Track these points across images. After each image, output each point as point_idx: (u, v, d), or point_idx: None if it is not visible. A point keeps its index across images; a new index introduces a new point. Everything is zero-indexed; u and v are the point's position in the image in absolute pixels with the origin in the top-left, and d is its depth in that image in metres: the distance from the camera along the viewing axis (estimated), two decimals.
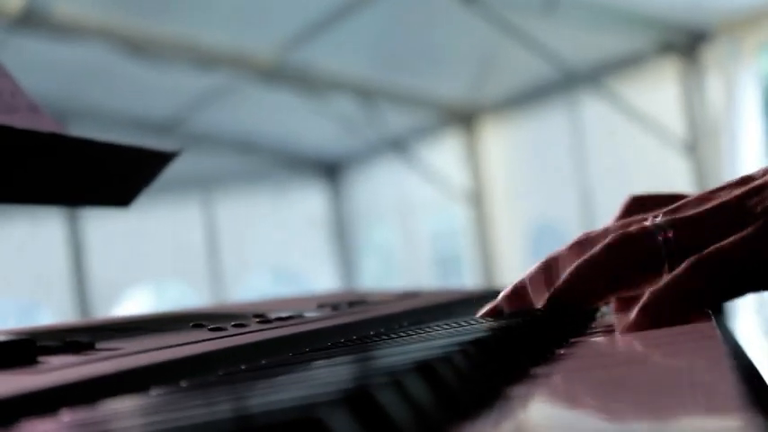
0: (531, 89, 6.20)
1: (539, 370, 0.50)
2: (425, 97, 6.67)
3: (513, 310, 0.73)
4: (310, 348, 0.62)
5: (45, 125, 0.89)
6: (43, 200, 1.05)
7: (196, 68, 5.73)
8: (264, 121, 7.05)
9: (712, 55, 5.13)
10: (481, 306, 0.77)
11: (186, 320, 0.75)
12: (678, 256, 0.67)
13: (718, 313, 0.71)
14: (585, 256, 0.70)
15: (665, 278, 0.66)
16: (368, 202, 8.18)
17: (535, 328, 0.60)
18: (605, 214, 0.84)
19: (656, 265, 0.68)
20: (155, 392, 0.46)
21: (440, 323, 0.71)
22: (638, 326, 0.65)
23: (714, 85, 5.14)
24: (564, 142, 6.15)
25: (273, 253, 8.17)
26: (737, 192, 0.70)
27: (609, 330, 0.68)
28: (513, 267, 6.12)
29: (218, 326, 0.69)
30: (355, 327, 0.75)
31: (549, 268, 0.73)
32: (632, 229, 0.70)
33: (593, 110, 5.81)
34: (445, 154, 7.09)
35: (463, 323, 0.68)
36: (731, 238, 0.66)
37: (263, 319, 0.75)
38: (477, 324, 0.65)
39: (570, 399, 0.43)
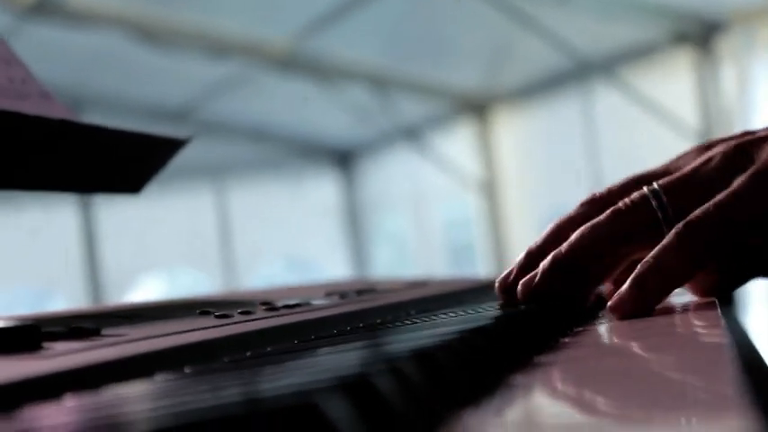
0: (544, 79, 6.20)
1: (542, 358, 0.50)
2: (438, 86, 6.67)
3: (526, 275, 0.73)
4: (315, 336, 0.62)
5: (56, 112, 0.89)
6: (54, 187, 1.05)
7: (210, 56, 5.73)
8: (278, 110, 7.05)
9: (726, 45, 5.12)
10: (490, 295, 0.77)
11: (193, 308, 0.75)
12: (675, 221, 0.67)
13: (728, 304, 0.71)
14: (591, 222, 0.70)
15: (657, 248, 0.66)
16: (381, 190, 8.18)
17: (540, 316, 0.61)
18: None
19: (656, 231, 0.68)
20: (158, 378, 0.46)
21: (447, 311, 0.71)
22: (627, 298, 0.65)
23: (728, 76, 5.12)
24: (577, 132, 6.15)
25: (286, 241, 8.17)
26: (721, 148, 0.70)
27: (614, 320, 0.68)
28: None
29: (224, 313, 0.69)
30: (362, 315, 0.75)
31: (559, 231, 0.74)
32: (634, 195, 0.70)
33: (606, 100, 5.80)
34: (458, 143, 7.09)
35: (470, 311, 0.68)
36: (714, 199, 0.66)
37: (269, 306, 0.76)
38: (484, 312, 0.66)
39: (572, 388, 0.43)
